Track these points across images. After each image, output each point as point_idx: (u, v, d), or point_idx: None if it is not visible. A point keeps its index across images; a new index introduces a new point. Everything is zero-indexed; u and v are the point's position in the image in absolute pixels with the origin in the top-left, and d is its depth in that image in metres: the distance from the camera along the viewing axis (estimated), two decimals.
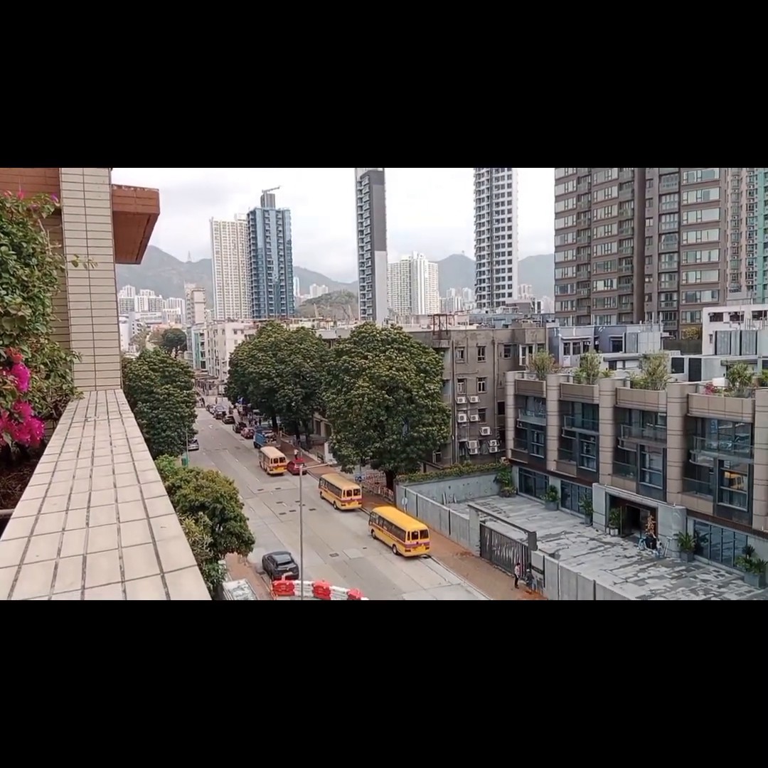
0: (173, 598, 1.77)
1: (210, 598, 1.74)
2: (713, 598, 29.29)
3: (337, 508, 45.75)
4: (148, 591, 1.83)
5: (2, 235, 3.99)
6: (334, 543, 38.90)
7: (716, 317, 67.20)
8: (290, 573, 32.23)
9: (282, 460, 57.28)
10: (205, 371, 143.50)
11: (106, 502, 2.83)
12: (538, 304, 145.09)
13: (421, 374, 45.21)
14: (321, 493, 48.48)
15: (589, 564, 33.42)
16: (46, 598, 1.83)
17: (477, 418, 49.93)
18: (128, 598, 1.81)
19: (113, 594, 1.85)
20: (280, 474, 56.10)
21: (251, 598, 26.76)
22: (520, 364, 50.57)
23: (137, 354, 73.04)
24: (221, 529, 28.68)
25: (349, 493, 45.60)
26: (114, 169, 8.69)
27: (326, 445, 56.74)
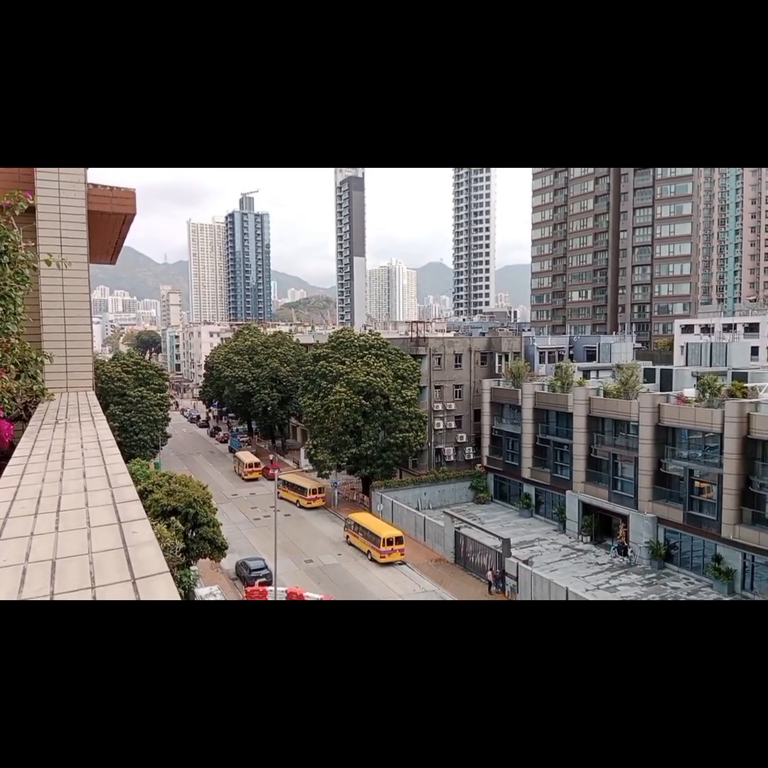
0: None
1: None
2: None
3: (301, 507, 47.06)
4: (118, 597, 1.80)
5: None
6: (308, 549, 38.65)
7: (687, 329, 68.64)
8: (264, 579, 31.91)
9: (257, 465, 56.80)
10: (180, 374, 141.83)
11: (77, 506, 2.77)
12: (515, 312, 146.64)
13: (399, 380, 45.28)
14: (279, 493, 47.63)
15: (562, 571, 33.72)
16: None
17: (453, 424, 50.16)
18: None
19: (82, 600, 1.81)
20: (255, 479, 55.61)
21: None
22: (497, 372, 50.98)
23: (110, 355, 71.90)
24: (194, 534, 28.30)
25: (314, 492, 46.95)
26: (89, 168, 8.58)
27: (302, 450, 56.42)
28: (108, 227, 9.95)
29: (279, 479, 48.82)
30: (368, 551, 36.69)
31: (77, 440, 4.49)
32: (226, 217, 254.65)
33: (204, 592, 27.58)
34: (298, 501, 47.73)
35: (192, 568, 29.20)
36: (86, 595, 1.84)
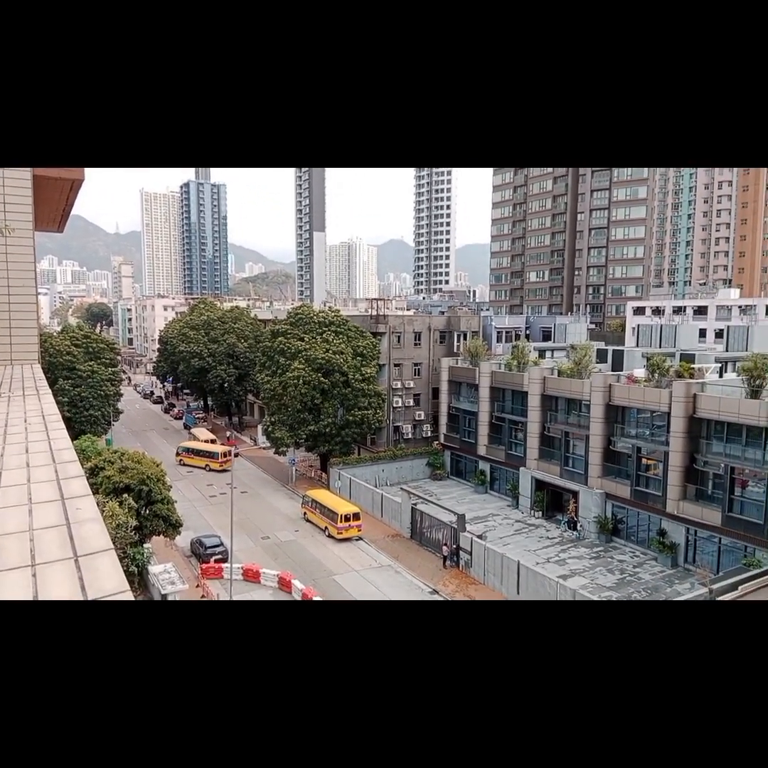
0: (87, 582, 1.69)
1: (126, 583, 1.67)
2: (628, 578, 31.04)
3: (211, 470, 49.45)
4: (59, 575, 1.74)
5: None
6: (265, 526, 38.58)
7: (639, 311, 70.52)
8: (219, 556, 31.75)
9: (213, 442, 56.12)
10: (133, 349, 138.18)
11: (18, 482, 2.67)
12: (474, 292, 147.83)
13: (358, 358, 45.18)
14: (180, 460, 51.02)
15: (514, 545, 34.65)
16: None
17: (412, 402, 50.51)
18: (38, 583, 1.71)
19: (22, 578, 1.75)
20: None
21: (177, 582, 26.17)
22: (455, 350, 51.43)
23: (59, 328, 69.35)
24: (147, 511, 27.88)
25: (225, 455, 49.06)
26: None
27: (259, 427, 55.96)
28: (54, 193, 9.51)
29: (181, 447, 52.67)
30: (326, 527, 36.87)
31: (20, 414, 4.32)
32: (181, 187, 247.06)
33: (157, 569, 27.27)
34: (207, 466, 49.79)
35: (146, 545, 28.80)
36: (26, 573, 1.77)
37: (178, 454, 52.25)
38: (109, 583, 1.72)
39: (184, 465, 50.20)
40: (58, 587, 1.71)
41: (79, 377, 49.60)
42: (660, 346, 45.21)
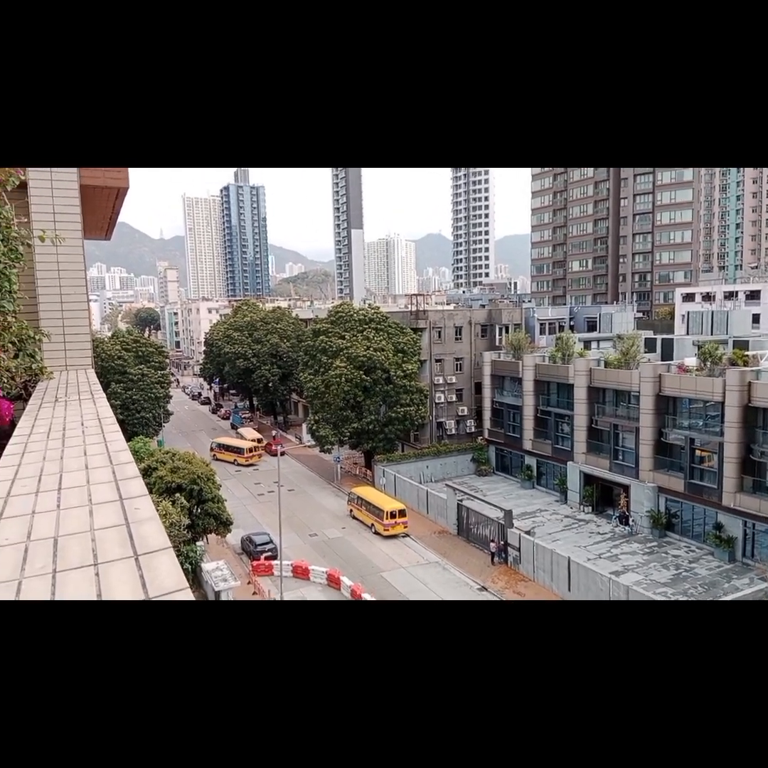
0: (147, 580, 1.72)
1: (185, 581, 1.70)
2: (684, 573, 30.14)
3: (239, 465, 52.10)
4: (121, 574, 1.78)
5: None
6: (312, 523, 39.03)
7: (688, 297, 68.22)
8: (269, 553, 32.29)
9: (260, 441, 57.08)
10: (180, 351, 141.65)
11: (78, 483, 2.75)
12: (515, 284, 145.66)
13: (399, 354, 45.17)
14: (213, 455, 53.63)
15: (564, 541, 34.07)
16: (15, 583, 1.77)
17: (454, 398, 50.20)
18: (101, 582, 1.75)
19: (85, 577, 1.79)
20: (259, 455, 56.00)
21: (230, 579, 26.75)
22: (497, 344, 50.83)
23: (109, 333, 71.67)
24: (199, 510, 28.57)
25: (250, 450, 52.92)
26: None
27: (304, 425, 56.61)
28: (101, 202, 9.81)
29: (214, 442, 56.28)
30: (372, 524, 37.04)
31: (77, 418, 4.46)
32: (221, 191, 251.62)
33: (210, 566, 27.94)
34: (235, 460, 52.56)
35: (198, 543, 29.51)
36: (89, 572, 1.82)
37: (211, 449, 54.97)
38: (168, 580, 1.75)
39: (217, 459, 52.17)
40: (121, 585, 1.74)
41: (130, 380, 51.16)
42: (711, 333, 43.64)
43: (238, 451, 53.47)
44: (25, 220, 6.23)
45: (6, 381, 5.07)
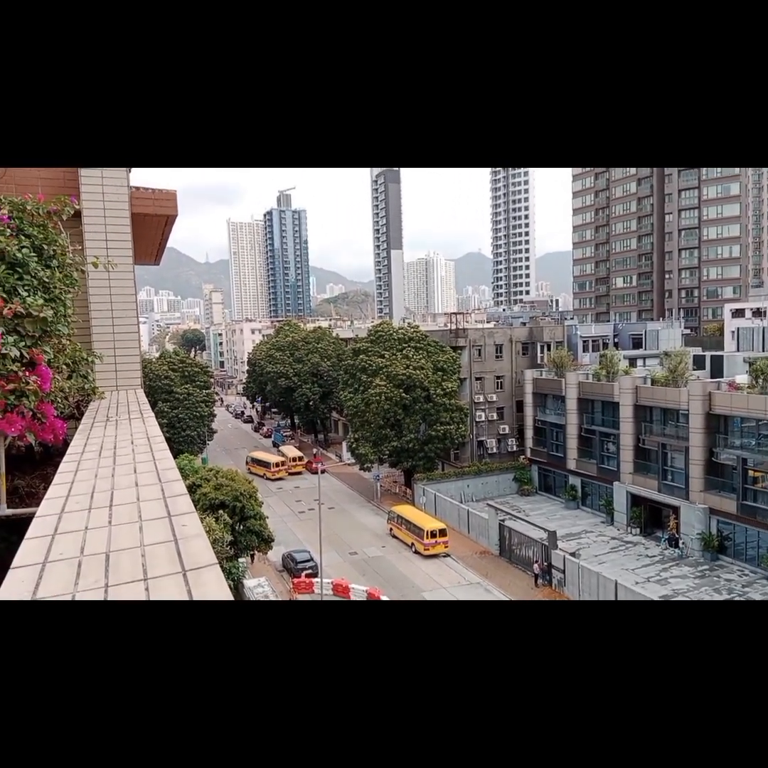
0: (195, 596, 1.77)
1: (231, 597, 1.74)
2: (737, 598, 28.84)
3: (267, 479, 54.19)
4: (170, 589, 1.84)
5: (24, 238, 4.04)
6: (353, 541, 38.96)
7: (738, 313, 66.11)
8: (310, 571, 32.34)
9: (300, 459, 57.60)
10: (224, 371, 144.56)
11: (128, 500, 2.85)
12: (556, 301, 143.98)
13: (439, 373, 45.07)
14: (249, 469, 55.68)
15: (610, 563, 33.08)
16: (69, 597, 1.84)
17: (495, 416, 49.66)
18: (151, 597, 1.81)
19: (136, 592, 1.86)
20: (299, 473, 56.44)
21: (271, 596, 26.89)
22: (538, 362, 50.18)
23: (157, 354, 73.74)
24: (241, 527, 28.88)
25: (277, 465, 55.66)
26: (130, 170, 8.77)
27: (344, 443, 56.83)
28: (151, 229, 10.18)
29: (249, 457, 59.39)
30: (412, 544, 36.74)
31: (127, 437, 4.62)
32: (265, 215, 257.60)
33: (252, 583, 28.15)
34: (264, 474, 55.09)
35: (240, 560, 29.81)
36: (139, 587, 1.88)
37: (247, 463, 57.56)
38: (215, 596, 1.79)
39: (251, 473, 53.38)
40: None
41: (177, 400, 52.44)
42: (763, 350, 42.13)
43: (266, 465, 56.43)
44: (80, 247, 6.53)
45: (60, 401, 5.28)
